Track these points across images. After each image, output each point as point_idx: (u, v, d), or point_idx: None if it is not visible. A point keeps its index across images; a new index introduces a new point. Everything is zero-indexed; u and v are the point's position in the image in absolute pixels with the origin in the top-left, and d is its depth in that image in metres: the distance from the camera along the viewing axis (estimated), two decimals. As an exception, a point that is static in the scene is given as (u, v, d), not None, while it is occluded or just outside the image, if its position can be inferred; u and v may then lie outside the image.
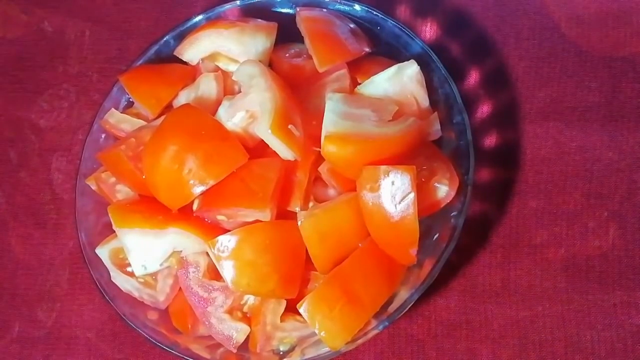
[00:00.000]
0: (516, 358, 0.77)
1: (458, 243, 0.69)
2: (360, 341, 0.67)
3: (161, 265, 0.70)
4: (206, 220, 0.69)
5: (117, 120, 0.77)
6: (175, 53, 0.78)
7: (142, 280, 0.73)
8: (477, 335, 0.78)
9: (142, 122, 0.76)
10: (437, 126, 0.72)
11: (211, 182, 0.66)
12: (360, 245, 0.68)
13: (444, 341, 0.78)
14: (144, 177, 0.70)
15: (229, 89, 0.76)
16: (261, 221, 0.67)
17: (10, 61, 0.94)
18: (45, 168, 0.90)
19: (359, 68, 0.75)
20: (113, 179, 0.76)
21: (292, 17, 0.77)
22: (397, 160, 0.65)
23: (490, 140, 0.83)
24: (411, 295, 0.67)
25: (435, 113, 0.72)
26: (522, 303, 0.78)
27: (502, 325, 0.78)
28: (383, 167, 0.64)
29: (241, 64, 0.72)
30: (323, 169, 0.69)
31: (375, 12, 0.77)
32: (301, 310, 0.65)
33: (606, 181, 0.80)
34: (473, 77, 0.85)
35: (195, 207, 0.69)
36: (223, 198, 0.67)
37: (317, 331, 0.65)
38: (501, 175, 0.82)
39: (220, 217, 0.68)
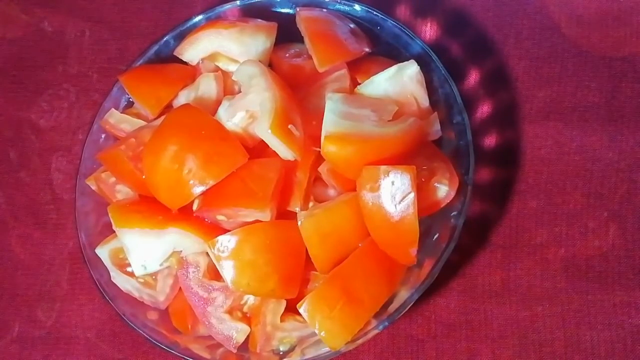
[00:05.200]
0: (516, 358, 0.77)
1: (458, 243, 0.69)
2: (360, 341, 0.67)
3: (161, 265, 0.70)
4: (206, 220, 0.69)
5: (117, 120, 0.77)
6: (175, 53, 0.78)
7: (142, 280, 0.73)
8: (477, 335, 0.78)
9: (142, 122, 0.76)
10: (437, 126, 0.72)
11: (211, 182, 0.66)
12: (360, 245, 0.68)
13: (444, 341, 0.78)
14: (144, 177, 0.70)
15: (229, 89, 0.76)
16: (261, 221, 0.67)
17: (10, 61, 0.94)
18: (45, 168, 0.90)
19: (359, 68, 0.75)
20: (113, 179, 0.76)
21: (292, 17, 0.77)
22: (397, 160, 0.65)
23: (490, 140, 0.83)
24: (411, 295, 0.67)
25: (435, 113, 0.72)
26: (522, 303, 0.78)
27: (502, 325, 0.78)
28: (383, 167, 0.64)
29: (241, 64, 0.72)
30: (323, 169, 0.69)
31: (375, 12, 0.77)
32: (301, 310, 0.65)
33: (606, 181, 0.80)
34: (473, 77, 0.85)
35: (195, 207, 0.69)
36: (223, 198, 0.67)
37: (317, 331, 0.65)
38: (501, 175, 0.82)
39: (220, 217, 0.68)
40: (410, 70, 0.71)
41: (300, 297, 0.66)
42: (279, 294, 0.67)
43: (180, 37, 0.79)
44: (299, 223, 0.66)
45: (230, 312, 0.70)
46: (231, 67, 0.76)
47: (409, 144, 0.67)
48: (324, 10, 0.78)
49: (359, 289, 0.66)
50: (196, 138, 0.67)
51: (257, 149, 0.70)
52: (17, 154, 0.91)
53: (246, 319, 0.71)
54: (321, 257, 0.67)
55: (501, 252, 0.80)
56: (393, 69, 0.71)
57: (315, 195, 0.71)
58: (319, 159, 0.69)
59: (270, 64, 0.77)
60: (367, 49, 0.76)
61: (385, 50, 0.77)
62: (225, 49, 0.75)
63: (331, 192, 0.71)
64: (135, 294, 0.73)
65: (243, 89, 0.70)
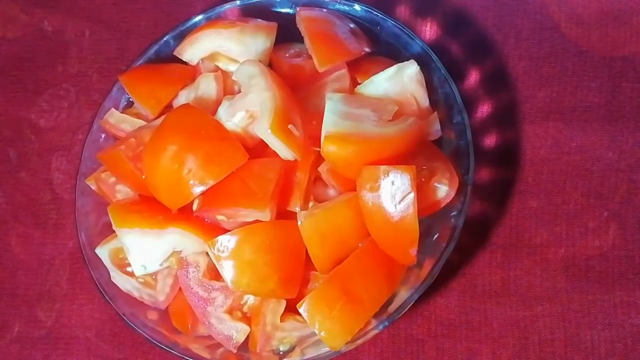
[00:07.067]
0: (516, 358, 0.77)
1: (458, 243, 0.69)
2: (360, 341, 0.67)
3: (161, 265, 0.70)
4: (206, 220, 0.69)
5: (117, 120, 0.77)
6: (175, 53, 0.78)
7: (142, 280, 0.73)
8: (477, 335, 0.78)
9: (142, 122, 0.76)
10: (437, 126, 0.72)
11: (211, 182, 0.66)
12: (360, 245, 0.68)
13: (444, 341, 0.78)
14: (144, 177, 0.70)
15: (229, 89, 0.76)
16: (261, 221, 0.67)
17: (10, 61, 0.94)
18: (45, 168, 0.90)
19: (359, 68, 0.75)
20: (113, 179, 0.76)
21: (292, 17, 0.77)
22: (397, 160, 0.65)
23: (490, 140, 0.83)
24: (411, 295, 0.67)
25: (435, 113, 0.72)
26: (522, 303, 0.78)
27: (502, 325, 0.78)
28: (383, 167, 0.64)
29: (241, 64, 0.72)
30: (323, 169, 0.69)
31: (375, 12, 0.77)
32: (301, 310, 0.65)
33: (606, 181, 0.80)
34: (473, 77, 0.85)
35: (195, 207, 0.69)
36: (223, 198, 0.67)
37: (317, 331, 0.65)
38: (501, 175, 0.82)
39: (220, 217, 0.68)
40: (410, 70, 0.71)
41: (300, 297, 0.66)
42: (279, 294, 0.67)
43: (180, 37, 0.79)
44: (299, 223, 0.66)
45: (230, 312, 0.70)
46: (231, 67, 0.76)
47: (409, 144, 0.67)
48: (324, 10, 0.78)
49: (359, 289, 0.66)
50: (196, 138, 0.67)
51: (257, 149, 0.70)
52: (17, 154, 0.91)
53: (246, 319, 0.71)
54: (321, 257, 0.67)
55: (501, 252, 0.80)
56: (393, 69, 0.71)
57: (315, 195, 0.71)
58: (319, 159, 0.69)
59: (270, 64, 0.77)
60: (367, 49, 0.76)
61: (385, 50, 0.77)
62: (225, 49, 0.75)
63: (331, 192, 0.71)
64: (135, 294, 0.73)
65: (243, 89, 0.70)
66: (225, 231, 0.67)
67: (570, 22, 0.85)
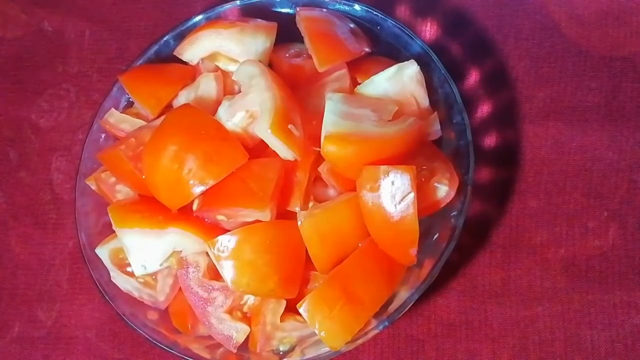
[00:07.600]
0: (516, 358, 0.77)
1: (458, 243, 0.69)
2: (360, 341, 0.67)
3: (161, 265, 0.70)
4: (206, 220, 0.69)
5: (117, 120, 0.77)
6: (175, 53, 0.78)
7: (142, 280, 0.73)
8: (477, 335, 0.78)
9: (142, 122, 0.76)
10: (437, 126, 0.72)
11: (211, 182, 0.66)
12: (360, 245, 0.68)
13: (444, 341, 0.78)
14: (144, 177, 0.70)
15: (229, 89, 0.76)
16: (261, 221, 0.67)
17: (10, 61, 0.94)
18: (45, 168, 0.90)
19: (359, 68, 0.75)
20: (113, 179, 0.76)
21: (292, 17, 0.77)
22: (397, 160, 0.65)
23: (490, 140, 0.83)
24: (411, 295, 0.67)
25: (435, 113, 0.72)
26: (522, 303, 0.78)
27: (502, 325, 0.78)
28: (383, 167, 0.64)
29: (241, 64, 0.72)
30: (323, 169, 0.69)
31: (375, 12, 0.77)
32: (301, 310, 0.65)
33: (606, 181, 0.80)
34: (473, 77, 0.85)
35: (195, 207, 0.69)
36: (223, 198, 0.67)
37: (317, 331, 0.65)
38: (501, 175, 0.82)
39: (220, 217, 0.68)
40: (410, 70, 0.71)
41: (300, 297, 0.66)
42: (279, 294, 0.67)
43: (180, 37, 0.79)
44: (299, 223, 0.66)
45: (230, 312, 0.70)
46: (231, 67, 0.76)
47: (409, 144, 0.67)
48: (324, 10, 0.78)
49: (359, 289, 0.66)
50: (196, 138, 0.67)
51: (257, 149, 0.70)
52: (17, 154, 0.91)
53: (246, 319, 0.71)
54: (321, 257, 0.67)
55: (501, 252, 0.80)
56: (393, 69, 0.71)
57: (315, 195, 0.71)
58: (319, 159, 0.69)
59: (270, 64, 0.77)
60: (367, 49, 0.76)
61: (385, 50, 0.77)
62: (225, 49, 0.75)
63: (331, 192, 0.71)
64: (135, 294, 0.73)
65: (243, 89, 0.70)
66: (225, 231, 0.67)
67: (570, 22, 0.85)
